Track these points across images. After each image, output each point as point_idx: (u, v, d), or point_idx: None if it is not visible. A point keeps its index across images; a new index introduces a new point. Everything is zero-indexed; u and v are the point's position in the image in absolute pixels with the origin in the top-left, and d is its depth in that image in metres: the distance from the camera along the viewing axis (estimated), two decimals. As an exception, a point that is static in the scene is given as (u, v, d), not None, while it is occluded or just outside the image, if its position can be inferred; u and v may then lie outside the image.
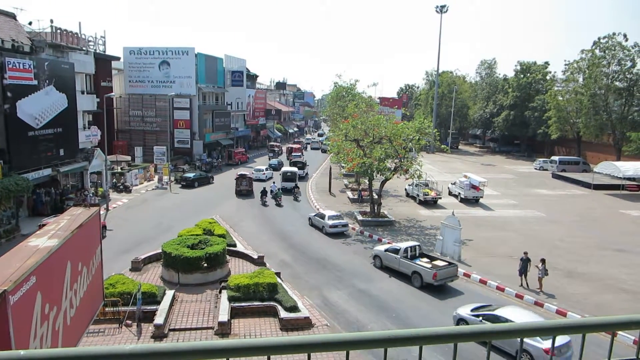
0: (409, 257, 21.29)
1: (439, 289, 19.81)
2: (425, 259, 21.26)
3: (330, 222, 27.81)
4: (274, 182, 40.01)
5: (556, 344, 13.94)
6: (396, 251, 21.64)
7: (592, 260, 24.07)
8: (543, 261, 19.80)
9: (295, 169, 42.64)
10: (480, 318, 15.53)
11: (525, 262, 20.26)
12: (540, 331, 1.81)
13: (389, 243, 25.21)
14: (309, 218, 30.15)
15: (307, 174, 49.15)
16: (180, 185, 41.37)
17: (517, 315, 15.23)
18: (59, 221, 10.34)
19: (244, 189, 38.19)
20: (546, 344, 13.87)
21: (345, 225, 28.38)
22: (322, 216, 28.64)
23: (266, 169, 46.61)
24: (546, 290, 19.73)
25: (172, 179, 41.91)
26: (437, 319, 17.35)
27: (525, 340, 14.52)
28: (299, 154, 59.22)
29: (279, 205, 35.31)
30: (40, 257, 8.03)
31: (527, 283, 20.23)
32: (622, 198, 40.22)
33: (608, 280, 21.34)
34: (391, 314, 17.82)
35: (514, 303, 18.91)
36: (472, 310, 16.26)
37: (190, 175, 42.50)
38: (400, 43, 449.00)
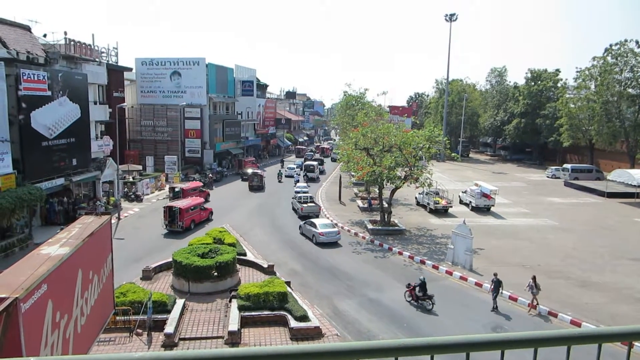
0: (301, 201, 34.56)
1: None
2: (308, 203, 34.41)
3: (297, 189, 41.27)
4: (297, 174, 53.52)
5: (325, 230, 27.55)
6: (295, 198, 36.39)
7: (606, 269, 23.70)
8: (534, 278, 18.61)
9: (315, 163, 56.22)
10: (305, 223, 29.43)
11: (496, 284, 18.72)
12: (556, 340, 1.76)
13: (389, 249, 25.52)
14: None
15: (324, 170, 59.14)
16: (240, 179, 50.92)
17: (320, 221, 29.30)
18: (71, 229, 10.42)
19: (255, 185, 45.13)
20: (321, 230, 27.44)
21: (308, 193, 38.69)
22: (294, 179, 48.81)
23: (297, 167, 57.24)
24: (560, 299, 19.44)
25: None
26: (449, 328, 17.17)
27: (313, 229, 27.95)
28: (311, 153, 75.70)
29: (280, 182, 50.60)
30: (52, 265, 8.09)
31: (496, 306, 18.71)
32: (636, 206, 39.66)
33: (624, 290, 20.96)
34: (402, 323, 17.67)
35: (527, 314, 18.68)
36: (304, 222, 29.66)
37: (249, 171, 50.06)
38: (410, 51, 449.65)
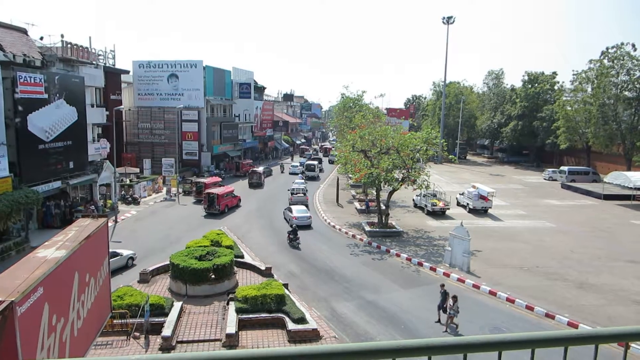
0: (293, 193, 39.56)
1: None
2: (298, 194, 39.09)
3: (295, 185, 43.56)
4: (301, 171, 57.85)
5: (299, 215, 31.96)
6: (290, 190, 41.38)
7: (603, 271, 23.75)
8: (455, 298, 17.29)
9: (315, 162, 60.48)
10: (285, 209, 34.16)
11: (444, 296, 17.77)
12: (553, 341, 1.77)
13: (387, 251, 25.42)
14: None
15: (323, 168, 63.17)
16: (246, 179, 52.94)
17: (297, 207, 33.32)
18: (67, 232, 10.39)
19: (255, 182, 48.89)
20: (295, 214, 31.50)
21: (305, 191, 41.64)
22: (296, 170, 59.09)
23: (300, 165, 61.62)
24: (557, 301, 19.46)
25: (180, 190, 42.12)
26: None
27: (290, 214, 32.29)
28: (311, 153, 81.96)
29: (282, 172, 61.16)
30: (48, 268, 8.06)
31: (449, 320, 17.43)
32: (632, 208, 39.76)
33: (620, 291, 21.01)
34: (400, 325, 17.65)
35: (524, 316, 18.69)
36: (285, 208, 34.32)
37: (260, 169, 53.18)
38: (407, 54, 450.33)
